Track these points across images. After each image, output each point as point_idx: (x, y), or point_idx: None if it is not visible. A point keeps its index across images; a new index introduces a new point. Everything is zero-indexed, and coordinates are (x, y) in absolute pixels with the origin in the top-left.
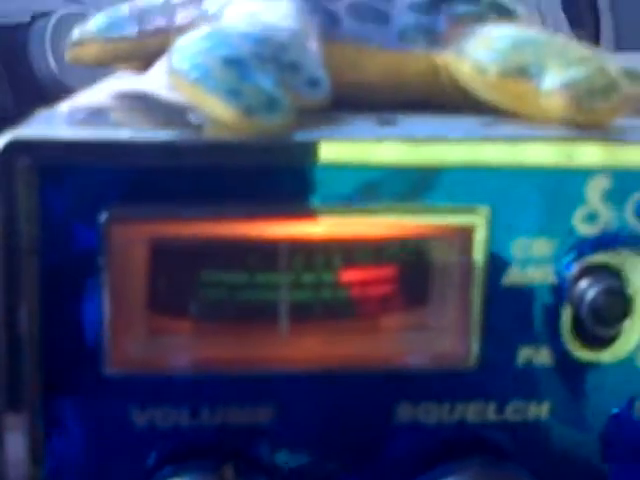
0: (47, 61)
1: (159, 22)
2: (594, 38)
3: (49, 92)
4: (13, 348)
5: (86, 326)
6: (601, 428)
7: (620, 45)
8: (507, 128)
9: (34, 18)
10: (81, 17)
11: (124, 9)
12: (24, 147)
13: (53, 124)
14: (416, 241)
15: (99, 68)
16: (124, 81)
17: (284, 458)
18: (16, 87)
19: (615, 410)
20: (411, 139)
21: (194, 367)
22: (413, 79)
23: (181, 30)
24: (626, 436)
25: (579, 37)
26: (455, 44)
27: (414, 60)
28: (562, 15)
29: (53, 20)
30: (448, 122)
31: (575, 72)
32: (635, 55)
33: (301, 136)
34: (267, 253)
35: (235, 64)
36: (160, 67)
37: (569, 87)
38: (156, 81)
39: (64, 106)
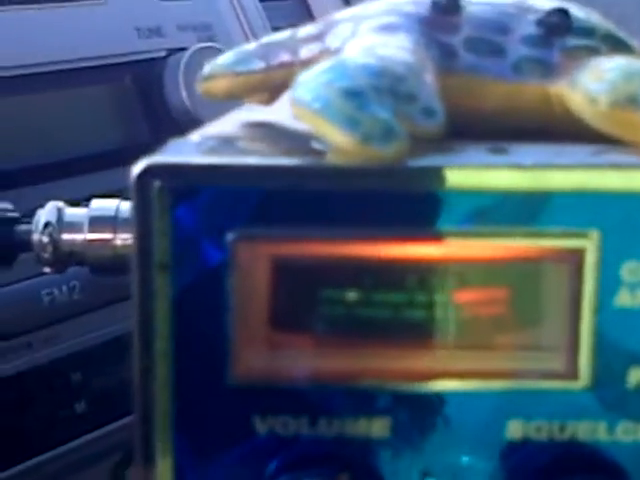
0: (180, 94)
1: (284, 57)
2: None
3: (182, 124)
4: (146, 357)
5: (213, 339)
6: None
7: None
8: (617, 156)
9: (169, 53)
10: (214, 52)
11: (251, 46)
12: (158, 171)
13: (185, 151)
14: (528, 264)
15: (229, 102)
16: (251, 113)
17: (397, 471)
18: (151, 119)
19: None
20: (520, 166)
21: (313, 379)
22: (527, 109)
23: (305, 64)
24: None
25: None
26: (568, 76)
27: (528, 91)
28: None
29: (187, 55)
30: (559, 150)
31: None
32: None
33: (416, 163)
34: (383, 274)
35: (353, 95)
36: (285, 100)
37: None
38: (282, 112)
39: (195, 135)
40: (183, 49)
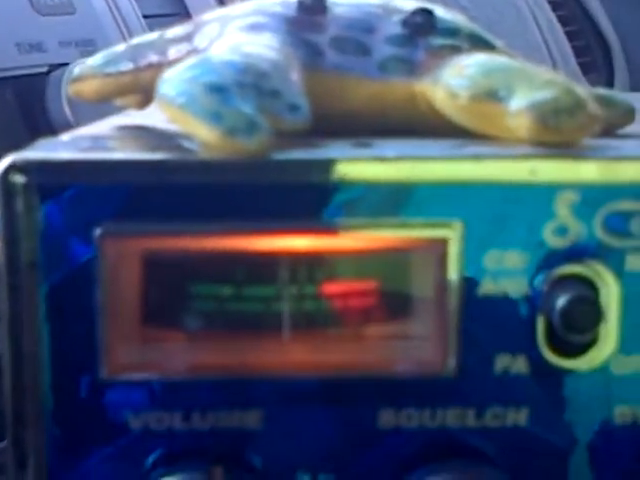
0: (63, 109)
1: (152, 58)
2: (608, 82)
3: None
4: (17, 358)
5: (86, 336)
6: (589, 437)
7: (635, 89)
8: (477, 148)
9: (51, 69)
10: None
11: (120, 47)
12: (24, 167)
13: (53, 149)
14: (394, 255)
15: (108, 109)
16: (127, 117)
17: (271, 462)
18: (33, 134)
19: (599, 418)
20: (383, 158)
21: (185, 373)
22: (393, 107)
23: (173, 64)
24: (611, 445)
25: (593, 82)
26: (432, 73)
27: (394, 89)
28: (574, 60)
29: (69, 70)
30: (422, 144)
31: (541, 94)
32: None
33: (282, 156)
34: (252, 267)
35: (218, 90)
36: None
37: (535, 107)
38: (157, 116)
39: (65, 135)
40: (65, 64)
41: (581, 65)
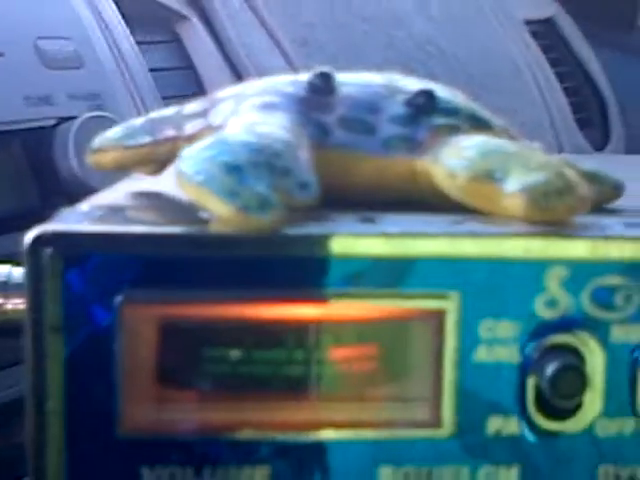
0: (70, 162)
1: (169, 132)
2: (604, 136)
3: (72, 191)
4: (39, 416)
5: (104, 396)
6: None
7: (631, 144)
8: (474, 225)
9: (59, 122)
10: (104, 121)
11: (139, 120)
12: (50, 239)
13: (75, 220)
14: (395, 324)
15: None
16: (139, 183)
17: None
18: (41, 186)
19: (585, 478)
20: (387, 234)
21: (198, 431)
22: (396, 182)
23: (189, 139)
24: None
25: (589, 136)
26: (432, 152)
27: (396, 165)
28: (571, 116)
29: (77, 123)
30: (423, 220)
31: (534, 176)
32: None
33: (292, 232)
34: (262, 333)
35: (233, 170)
36: (171, 171)
37: (527, 190)
38: (168, 183)
39: (84, 205)
40: (73, 117)
41: (578, 121)
